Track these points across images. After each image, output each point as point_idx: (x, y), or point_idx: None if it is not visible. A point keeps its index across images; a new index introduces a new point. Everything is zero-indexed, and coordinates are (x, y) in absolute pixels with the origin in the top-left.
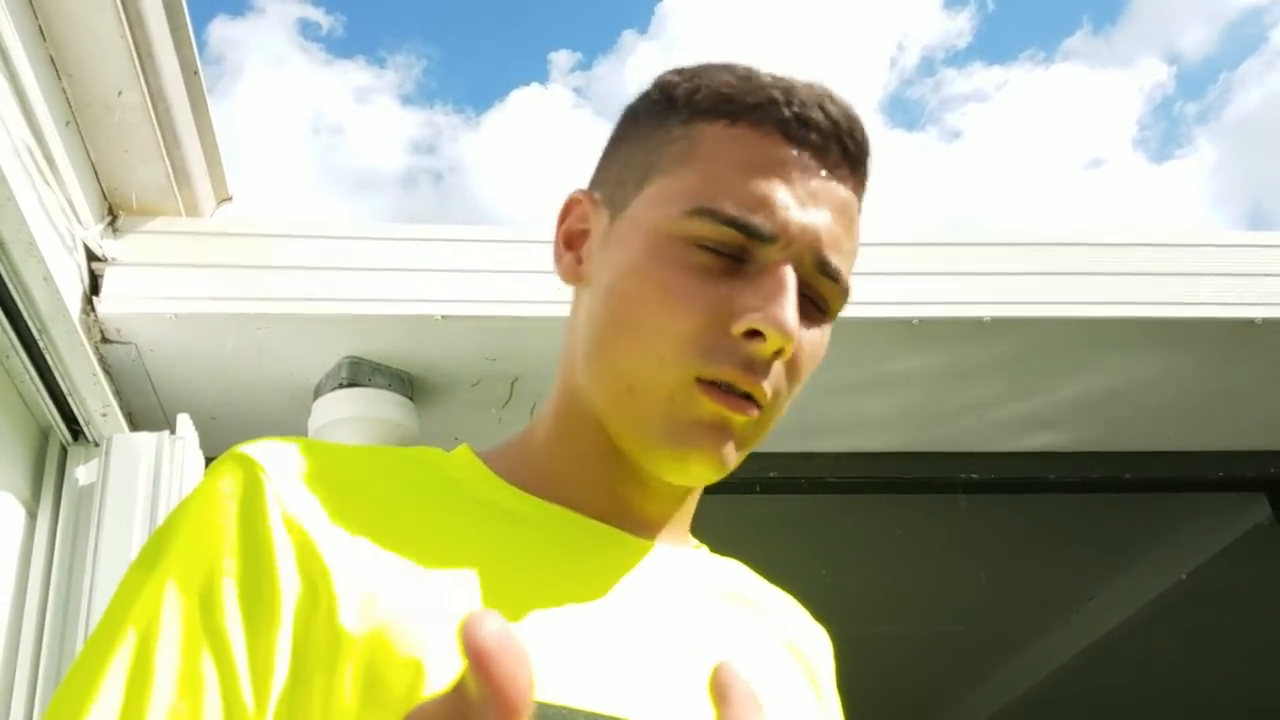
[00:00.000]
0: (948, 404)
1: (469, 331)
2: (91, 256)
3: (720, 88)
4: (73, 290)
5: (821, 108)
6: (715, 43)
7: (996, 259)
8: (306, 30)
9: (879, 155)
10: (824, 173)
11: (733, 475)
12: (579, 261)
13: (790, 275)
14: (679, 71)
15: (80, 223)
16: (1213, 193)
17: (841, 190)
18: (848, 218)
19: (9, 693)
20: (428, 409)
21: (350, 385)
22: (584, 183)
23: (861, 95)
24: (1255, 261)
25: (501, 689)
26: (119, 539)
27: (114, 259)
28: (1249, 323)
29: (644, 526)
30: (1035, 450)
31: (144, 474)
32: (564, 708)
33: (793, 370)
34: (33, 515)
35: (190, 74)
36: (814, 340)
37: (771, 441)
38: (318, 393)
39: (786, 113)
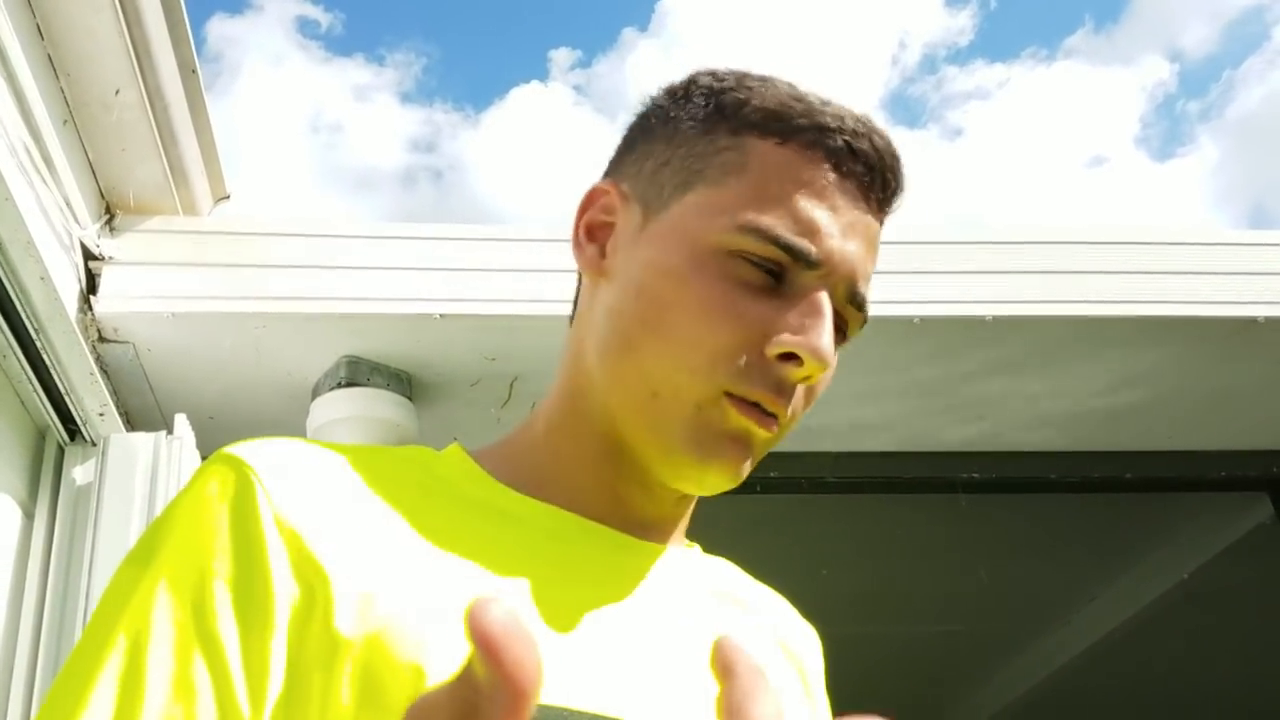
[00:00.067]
0: (949, 403)
1: (468, 331)
2: (89, 255)
3: (773, 104)
4: (70, 289)
5: (870, 140)
6: (716, 41)
7: (998, 258)
8: (305, 28)
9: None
10: (864, 205)
11: None
12: (602, 255)
13: (827, 302)
14: (721, 77)
15: (77, 222)
16: (1215, 191)
17: (874, 224)
18: (875, 250)
19: (6, 693)
20: (426, 408)
21: (349, 385)
22: (582, 179)
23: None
24: (1257, 260)
25: (510, 675)
26: (116, 539)
27: (111, 258)
28: (1251, 321)
29: (642, 528)
30: (1036, 450)
31: (141, 474)
32: (563, 709)
33: (811, 392)
34: (30, 515)
35: (188, 73)
36: (833, 364)
37: None
38: (316, 392)
39: (838, 141)
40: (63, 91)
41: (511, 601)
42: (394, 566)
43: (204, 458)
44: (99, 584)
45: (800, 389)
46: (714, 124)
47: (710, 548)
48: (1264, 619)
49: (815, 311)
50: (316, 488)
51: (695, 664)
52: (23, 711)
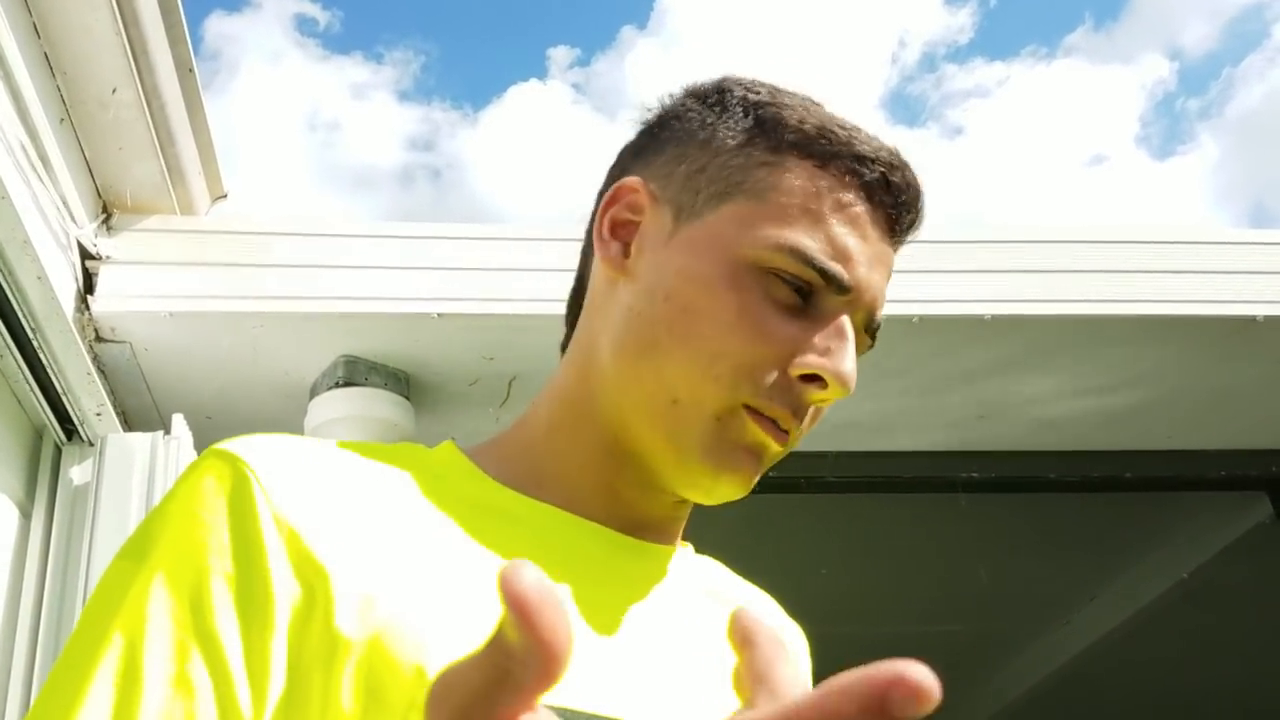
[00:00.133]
0: (948, 402)
1: (466, 330)
2: (86, 255)
3: (814, 128)
4: (67, 289)
5: (902, 174)
6: (715, 39)
7: (998, 256)
8: (303, 26)
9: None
10: (888, 237)
11: None
12: (625, 253)
13: (850, 328)
14: (756, 90)
15: (74, 221)
16: (1215, 189)
17: (893, 255)
18: (889, 279)
19: (4, 694)
20: (424, 408)
21: (346, 384)
22: (581, 177)
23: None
24: (1256, 259)
25: (544, 639)
26: (113, 539)
27: (108, 257)
28: (1250, 320)
29: (640, 529)
30: (1036, 449)
31: (139, 474)
32: (563, 709)
33: (818, 412)
34: (27, 515)
35: (185, 71)
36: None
37: None
38: (313, 392)
39: (875, 171)
40: (59, 90)
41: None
42: (393, 566)
43: None
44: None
45: (811, 408)
46: (753, 138)
47: (709, 547)
48: (1263, 618)
49: (840, 336)
50: (312, 485)
51: (691, 664)
52: (20, 712)
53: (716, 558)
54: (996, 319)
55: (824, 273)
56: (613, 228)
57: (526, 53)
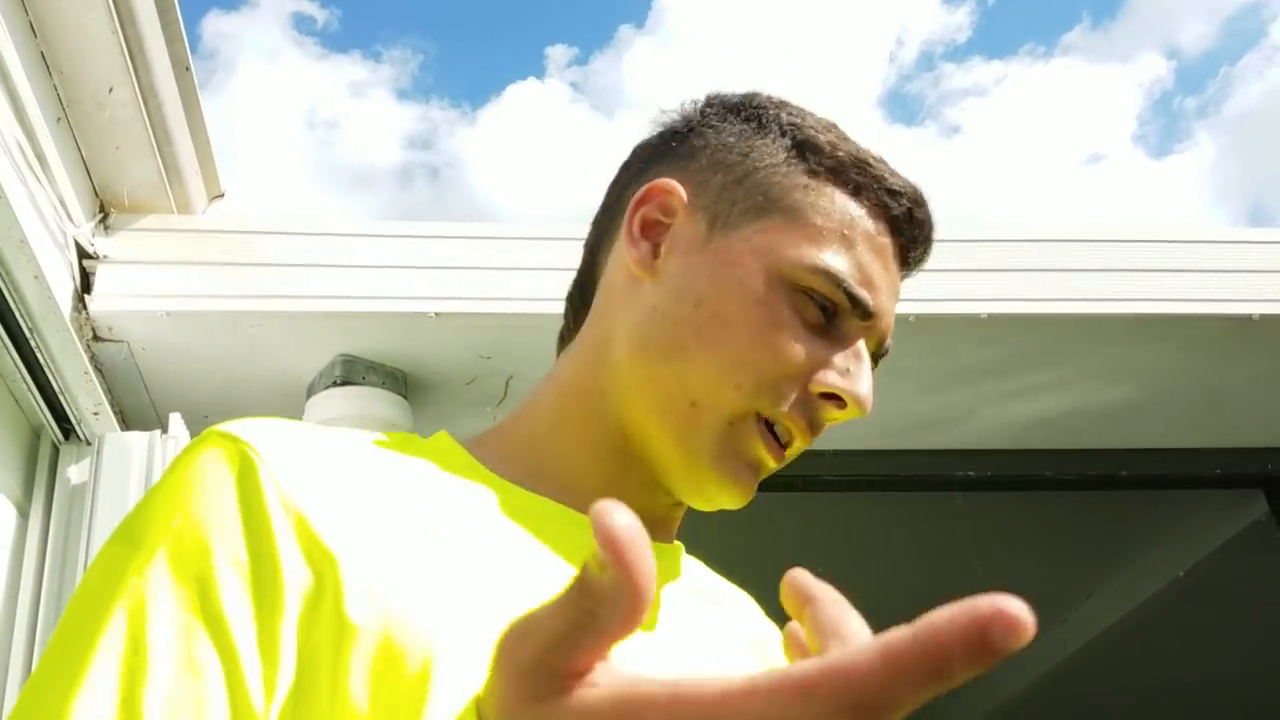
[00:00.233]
0: (944, 401)
1: (463, 329)
2: (83, 254)
3: (850, 158)
4: (64, 288)
5: (924, 212)
6: (713, 38)
7: (994, 255)
8: (301, 24)
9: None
10: (903, 269)
11: None
12: (655, 254)
13: (866, 351)
14: (793, 112)
15: (71, 220)
16: (1213, 188)
17: (901, 286)
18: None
19: (2, 694)
20: (422, 407)
21: (344, 383)
22: (579, 176)
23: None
24: (1253, 257)
25: (635, 577)
26: None
27: (105, 256)
28: (1246, 319)
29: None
30: (1032, 447)
31: (136, 473)
32: None
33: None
34: (24, 515)
35: (182, 70)
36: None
37: None
38: (311, 391)
39: (902, 207)
40: (56, 89)
41: (510, 606)
42: (399, 555)
43: None
44: None
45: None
46: (791, 159)
47: (706, 546)
48: (1259, 615)
49: (858, 358)
50: (317, 470)
51: (689, 661)
52: None
53: (714, 556)
54: (993, 318)
55: (852, 297)
56: (644, 227)
57: (524, 51)
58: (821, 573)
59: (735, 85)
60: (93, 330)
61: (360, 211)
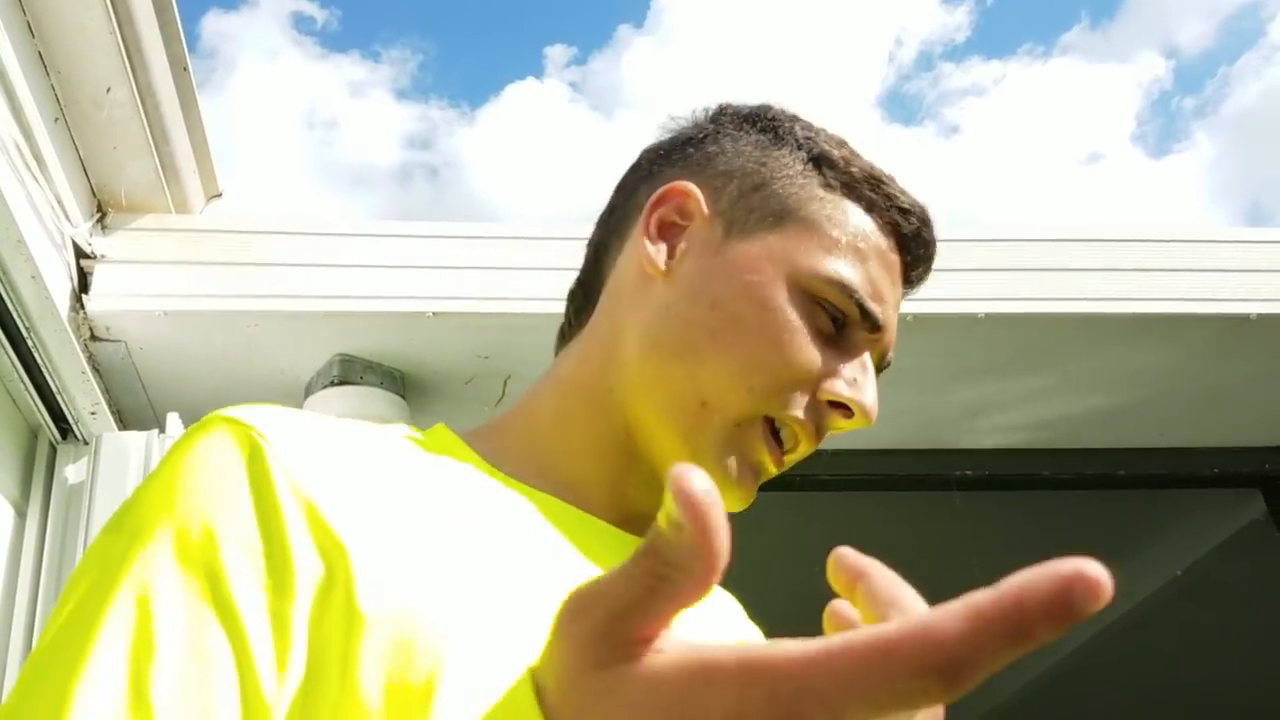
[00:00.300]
0: (942, 400)
1: (461, 329)
2: (80, 254)
3: (864, 174)
4: (61, 288)
5: (930, 232)
6: (712, 38)
7: (992, 255)
8: (300, 24)
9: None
10: (906, 286)
11: None
12: (670, 255)
13: (871, 363)
14: (807, 127)
15: (69, 220)
16: (1211, 188)
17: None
18: None
19: (0, 692)
20: (420, 407)
21: (342, 383)
22: (578, 176)
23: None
24: (1250, 257)
25: (712, 538)
26: None
27: (103, 256)
28: (1244, 318)
29: (634, 524)
30: (1029, 447)
31: (133, 473)
32: None
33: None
34: (21, 515)
35: (179, 70)
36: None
37: None
38: (309, 391)
39: (912, 224)
40: (54, 89)
41: (518, 601)
42: (409, 547)
43: None
44: None
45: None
46: (808, 172)
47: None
48: (1257, 614)
49: (866, 370)
50: (323, 458)
51: None
52: None
53: None
54: (991, 317)
55: (863, 309)
56: (660, 228)
57: (523, 51)
58: (819, 572)
59: (735, 86)
60: (90, 330)
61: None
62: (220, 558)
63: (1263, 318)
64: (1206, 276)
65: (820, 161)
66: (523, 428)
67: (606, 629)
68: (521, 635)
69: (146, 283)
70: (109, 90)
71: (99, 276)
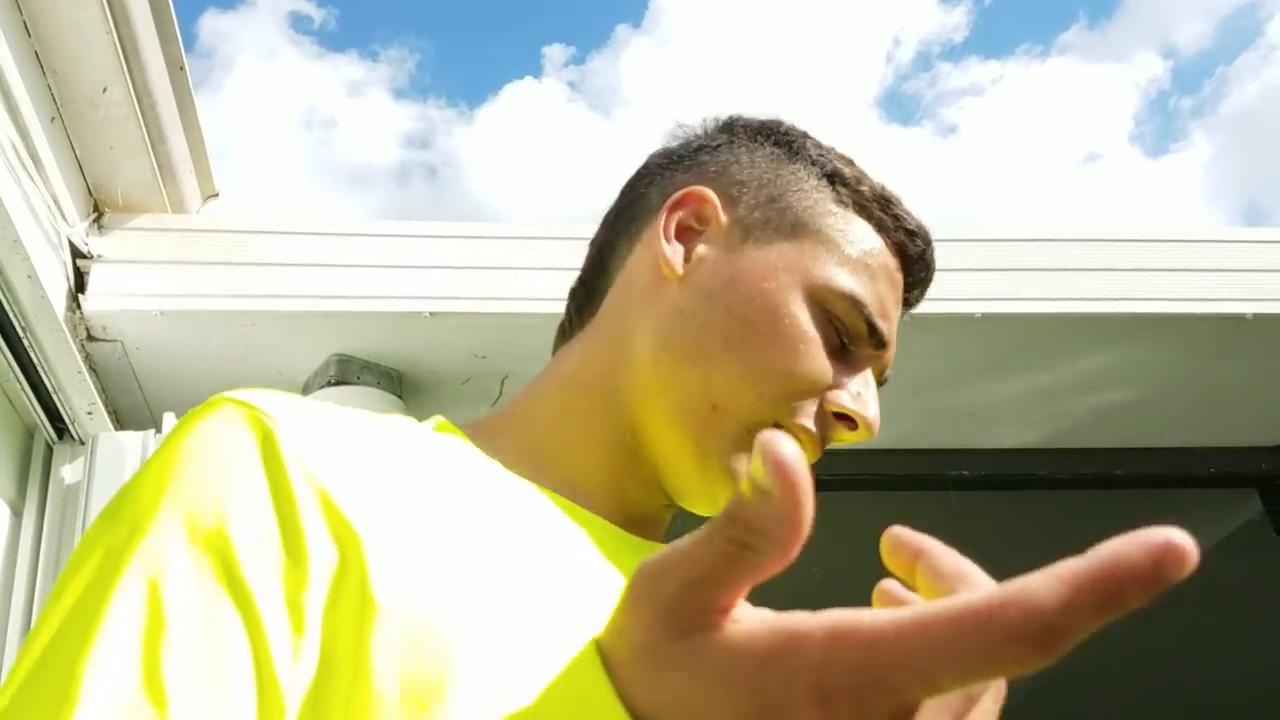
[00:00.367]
0: (939, 400)
1: (458, 329)
2: (77, 253)
3: (875, 194)
4: (58, 287)
5: (932, 255)
6: (710, 38)
7: (989, 254)
8: (298, 23)
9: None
10: (905, 306)
11: None
12: (686, 258)
13: (872, 378)
14: (819, 145)
15: (65, 220)
16: (1209, 188)
17: None
18: None
19: None
20: (417, 407)
21: (338, 383)
22: (576, 175)
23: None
24: (1246, 257)
25: (801, 506)
26: None
27: (99, 256)
28: (1240, 318)
29: (632, 523)
30: (1026, 447)
31: (130, 473)
32: None
33: None
34: (18, 514)
35: (176, 70)
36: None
37: None
38: (306, 390)
39: (917, 247)
40: (50, 89)
41: (536, 588)
42: (421, 537)
43: None
44: None
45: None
46: (822, 187)
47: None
48: (1254, 615)
49: (869, 384)
50: (332, 443)
51: None
52: None
53: None
54: (988, 317)
55: (871, 325)
56: (677, 231)
57: (522, 50)
58: (816, 571)
59: (733, 86)
60: (87, 330)
61: (358, 210)
62: (234, 541)
63: (1260, 317)
64: (1204, 276)
65: (834, 178)
66: (523, 423)
67: (685, 597)
68: (538, 630)
69: (143, 282)
70: (105, 90)
71: (95, 276)
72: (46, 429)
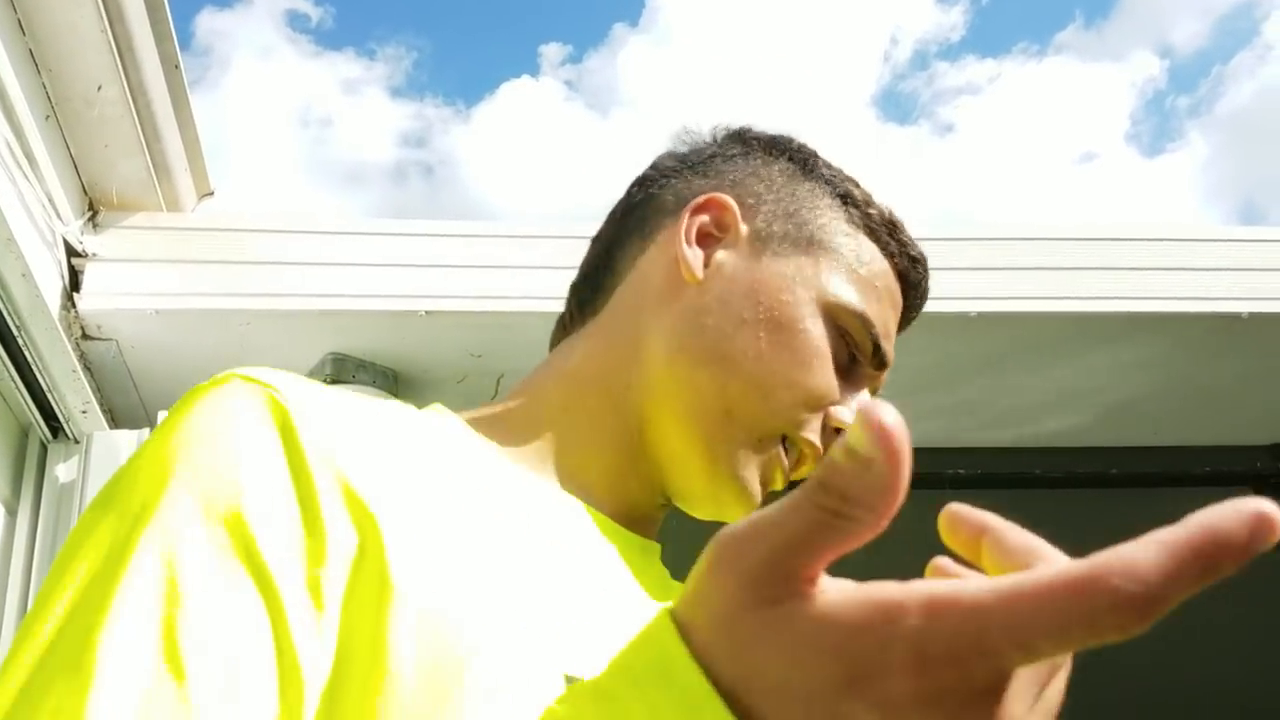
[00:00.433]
0: (934, 399)
1: (453, 327)
2: (71, 252)
3: (884, 220)
4: (52, 286)
5: (928, 283)
6: (707, 37)
7: (985, 253)
8: (295, 22)
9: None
10: (900, 328)
11: None
12: (705, 263)
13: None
14: (825, 161)
15: (60, 218)
16: (1205, 187)
17: None
18: None
19: None
20: (412, 405)
21: (334, 382)
22: (573, 175)
23: (855, 89)
24: (1243, 256)
25: (901, 474)
26: None
27: (94, 254)
28: (1236, 317)
29: (633, 522)
30: (1022, 446)
31: None
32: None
33: None
34: (12, 513)
35: (171, 68)
36: None
37: None
38: None
39: (918, 273)
40: (44, 87)
41: (546, 580)
42: (435, 520)
43: None
44: None
45: None
46: (835, 207)
47: (700, 546)
48: (1248, 614)
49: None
50: (345, 424)
51: None
52: None
53: None
54: (984, 316)
55: (878, 347)
56: (697, 236)
57: (519, 49)
58: None
59: (730, 86)
60: (81, 328)
61: (354, 209)
62: (251, 518)
63: (1255, 316)
64: (1199, 275)
65: (847, 199)
66: (525, 417)
67: (773, 565)
68: (551, 614)
69: (138, 281)
70: (100, 88)
71: (90, 275)
72: (41, 428)
